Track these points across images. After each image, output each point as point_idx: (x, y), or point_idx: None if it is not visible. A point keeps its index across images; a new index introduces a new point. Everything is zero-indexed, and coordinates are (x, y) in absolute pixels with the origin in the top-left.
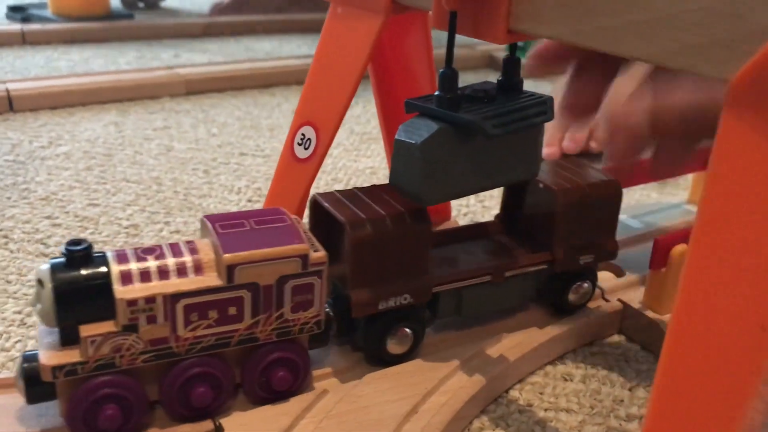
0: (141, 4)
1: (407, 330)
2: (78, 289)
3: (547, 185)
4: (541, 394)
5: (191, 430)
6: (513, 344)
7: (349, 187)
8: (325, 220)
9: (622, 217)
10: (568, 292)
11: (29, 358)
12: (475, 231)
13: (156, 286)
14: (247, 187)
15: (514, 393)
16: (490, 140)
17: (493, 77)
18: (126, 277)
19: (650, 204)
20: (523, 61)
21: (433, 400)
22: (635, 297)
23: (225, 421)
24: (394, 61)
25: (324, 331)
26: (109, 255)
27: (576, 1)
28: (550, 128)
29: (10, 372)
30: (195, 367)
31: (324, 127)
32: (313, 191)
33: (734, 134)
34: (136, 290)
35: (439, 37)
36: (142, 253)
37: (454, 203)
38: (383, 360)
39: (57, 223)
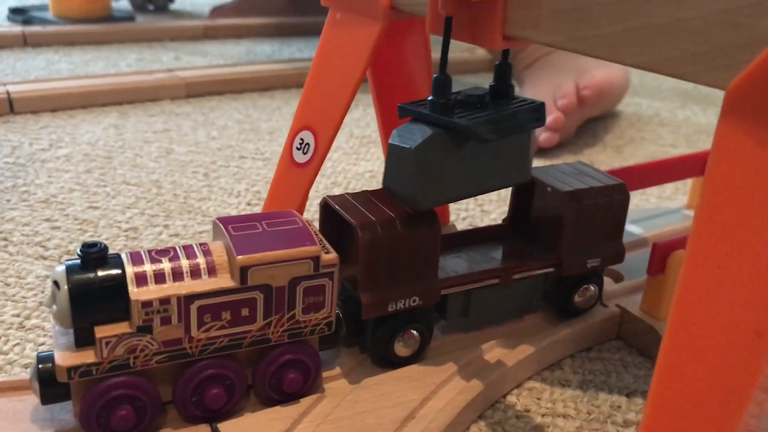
0: (150, 6)
1: (415, 332)
2: (93, 291)
3: (555, 188)
4: (538, 399)
5: None
6: (511, 349)
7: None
8: (335, 223)
9: None
10: (574, 295)
11: (44, 359)
12: (483, 234)
13: (170, 288)
14: (247, 191)
15: (511, 398)
16: (483, 145)
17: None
18: (141, 279)
19: (649, 209)
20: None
21: (431, 405)
22: (633, 302)
23: (222, 425)
24: (393, 66)
25: (334, 333)
26: (124, 257)
27: (572, 7)
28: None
29: (8, 375)
30: (209, 369)
31: (323, 132)
32: (312, 195)
33: (731, 141)
34: (151, 291)
35: (437, 41)
36: (156, 255)
37: (453, 207)
38: (390, 362)
39: (56, 226)
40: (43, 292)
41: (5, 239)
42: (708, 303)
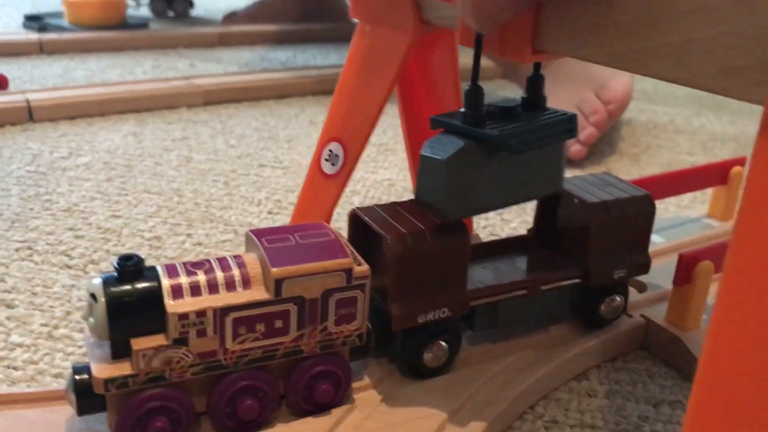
0: (171, 13)
1: (443, 343)
2: (130, 303)
3: (581, 199)
4: (566, 410)
5: None
6: (538, 360)
7: (368, 199)
8: (363, 234)
9: None
10: (600, 306)
11: (79, 370)
12: (509, 244)
13: (206, 300)
14: (267, 199)
15: (539, 409)
16: (514, 156)
17: (505, 85)
18: (177, 291)
19: (669, 218)
20: None
21: (461, 417)
22: (658, 312)
23: None
24: (420, 77)
25: (365, 344)
26: (160, 269)
27: (606, 22)
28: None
29: (39, 385)
30: (243, 380)
31: (352, 143)
32: None
33: None
34: (187, 304)
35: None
36: (192, 267)
37: (474, 216)
38: (419, 373)
39: (80, 235)
40: (69, 301)
41: (30, 248)
42: (749, 313)
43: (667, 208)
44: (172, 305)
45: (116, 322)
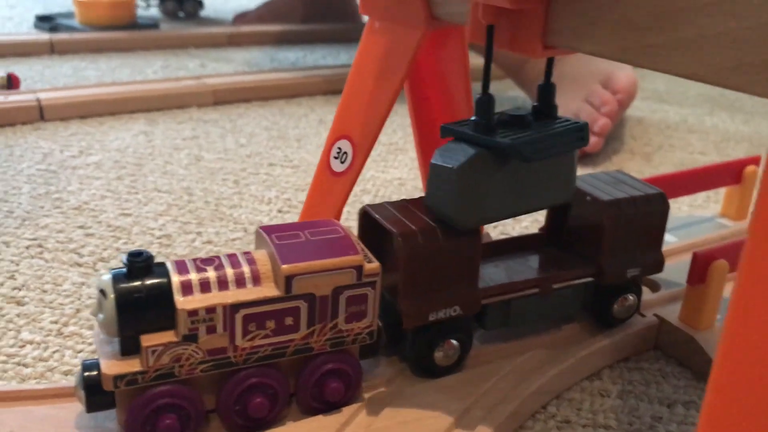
0: (181, 14)
1: (455, 342)
2: (139, 300)
3: (594, 197)
4: (578, 410)
5: None
6: (550, 359)
7: (378, 198)
8: (374, 232)
9: None
10: (613, 305)
11: (89, 367)
12: (520, 242)
13: (216, 297)
14: (277, 198)
15: (551, 409)
16: (525, 165)
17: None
18: (186, 288)
19: (682, 217)
20: None
21: (472, 416)
22: (671, 312)
23: None
24: (430, 74)
25: (375, 342)
26: (169, 265)
27: (620, 17)
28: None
29: (48, 382)
30: (252, 378)
31: (361, 141)
32: None
33: None
34: (197, 301)
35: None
36: (201, 264)
37: None
38: (430, 371)
39: (90, 233)
40: (79, 299)
41: (40, 246)
42: (765, 312)
43: (680, 207)
44: (181, 302)
45: (125, 318)
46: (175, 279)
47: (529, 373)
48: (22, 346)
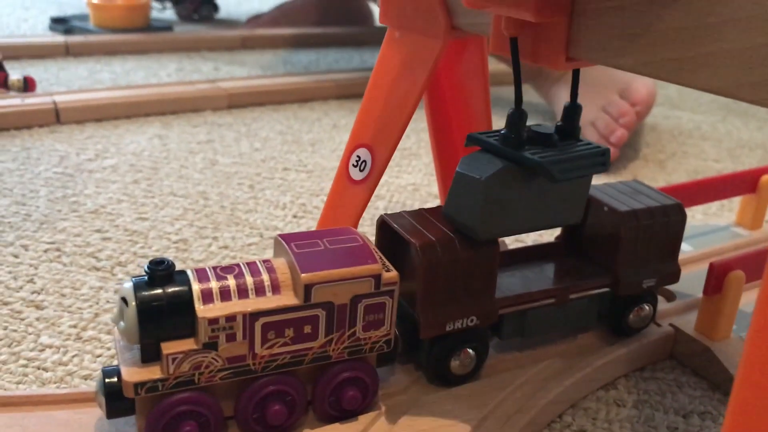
0: (195, 16)
1: (471, 351)
2: (160, 308)
3: (611, 207)
4: (594, 419)
5: None
6: (566, 369)
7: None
8: (391, 241)
9: None
10: (629, 315)
11: (109, 373)
12: (536, 252)
13: (236, 305)
14: (292, 203)
15: (567, 418)
16: (547, 183)
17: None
18: (207, 296)
19: (697, 226)
20: None
21: (488, 425)
22: (686, 322)
23: None
24: (449, 83)
25: (392, 350)
26: (190, 273)
27: (643, 31)
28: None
29: (68, 386)
30: (271, 385)
31: (380, 149)
32: None
33: None
34: (217, 309)
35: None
36: (222, 272)
37: None
38: (446, 380)
39: (107, 237)
40: (97, 303)
41: (58, 249)
42: None
43: (694, 216)
44: (202, 310)
45: (147, 326)
46: (196, 287)
47: (544, 382)
48: (42, 350)
